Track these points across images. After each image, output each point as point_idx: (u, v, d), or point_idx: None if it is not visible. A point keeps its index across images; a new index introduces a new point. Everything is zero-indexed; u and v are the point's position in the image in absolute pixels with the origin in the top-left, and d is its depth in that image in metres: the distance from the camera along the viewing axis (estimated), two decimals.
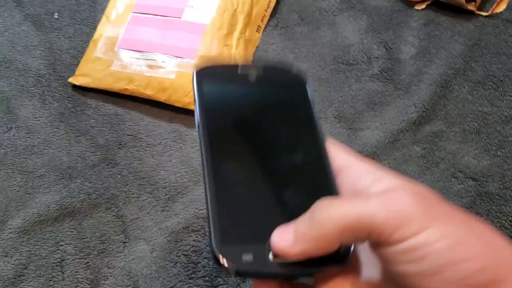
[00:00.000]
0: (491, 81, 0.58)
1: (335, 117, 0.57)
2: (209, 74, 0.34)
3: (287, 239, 0.25)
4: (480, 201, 0.52)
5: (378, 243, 0.24)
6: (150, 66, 0.58)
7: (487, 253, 0.23)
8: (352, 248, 0.27)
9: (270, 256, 0.26)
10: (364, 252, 0.29)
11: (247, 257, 0.26)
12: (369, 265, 0.28)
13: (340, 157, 0.30)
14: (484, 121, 0.56)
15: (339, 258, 0.26)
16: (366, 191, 0.26)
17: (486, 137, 0.55)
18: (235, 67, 0.34)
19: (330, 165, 0.30)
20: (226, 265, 0.26)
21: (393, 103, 0.58)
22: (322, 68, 0.60)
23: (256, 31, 0.62)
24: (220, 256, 0.26)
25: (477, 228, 0.24)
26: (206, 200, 0.28)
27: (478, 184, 0.53)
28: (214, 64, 0.34)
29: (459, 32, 0.61)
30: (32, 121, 0.59)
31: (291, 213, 0.27)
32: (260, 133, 0.32)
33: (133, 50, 0.59)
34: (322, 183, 0.29)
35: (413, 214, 0.23)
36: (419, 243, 0.23)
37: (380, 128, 0.56)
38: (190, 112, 0.58)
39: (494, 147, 0.54)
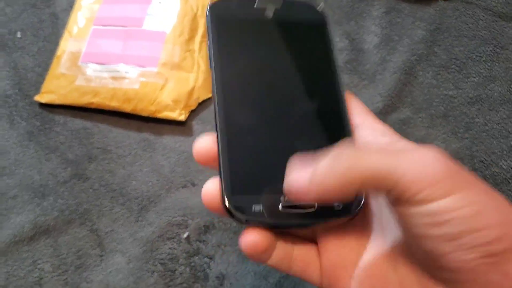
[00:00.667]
0: (454, 64, 0.58)
1: None
2: (224, 9, 0.31)
3: (304, 181, 0.24)
4: None
5: (400, 200, 0.24)
6: (114, 78, 0.58)
7: (504, 223, 0.23)
8: (363, 201, 0.27)
9: (280, 206, 0.26)
10: (378, 212, 0.28)
11: (257, 207, 0.26)
12: (381, 226, 0.28)
13: (356, 114, 0.29)
14: (450, 105, 0.56)
15: (349, 210, 0.26)
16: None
17: (453, 120, 0.55)
18: (251, 1, 0.31)
19: (347, 114, 0.28)
20: (236, 215, 0.26)
21: (359, 94, 0.58)
22: None
23: None
24: (231, 207, 0.26)
25: (496, 198, 0.24)
26: (218, 150, 0.27)
27: None
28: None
29: (420, 17, 0.61)
30: (2, 143, 0.59)
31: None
32: (276, 76, 0.30)
33: (96, 63, 0.59)
34: (339, 133, 0.28)
35: (441, 177, 0.23)
36: (444, 207, 0.23)
37: None
38: (158, 121, 0.58)
39: (462, 130, 0.55)
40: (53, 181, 0.56)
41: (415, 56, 0.59)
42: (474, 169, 0.52)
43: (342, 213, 0.26)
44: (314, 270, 0.29)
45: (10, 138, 0.59)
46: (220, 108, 0.27)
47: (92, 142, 0.58)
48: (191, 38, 0.60)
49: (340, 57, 0.60)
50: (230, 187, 0.26)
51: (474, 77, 0.57)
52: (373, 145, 0.27)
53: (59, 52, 0.61)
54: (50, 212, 0.54)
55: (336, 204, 0.26)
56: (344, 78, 0.59)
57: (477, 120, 0.55)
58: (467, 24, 0.60)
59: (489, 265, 0.23)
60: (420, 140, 0.54)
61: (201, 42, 0.60)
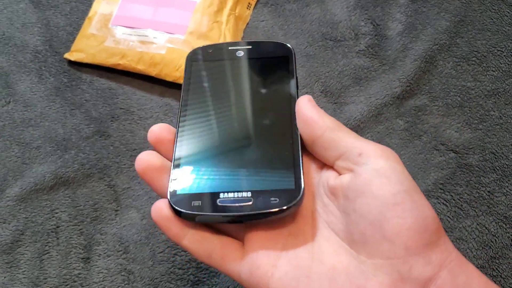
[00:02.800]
0: (474, 57, 0.59)
1: (321, 92, 0.59)
2: (200, 54, 0.38)
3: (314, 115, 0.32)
4: (460, 172, 0.53)
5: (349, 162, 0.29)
6: (142, 42, 0.60)
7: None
8: (298, 198, 0.29)
9: (218, 201, 0.29)
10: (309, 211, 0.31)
11: (196, 203, 0.29)
12: (311, 222, 0.31)
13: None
14: (467, 96, 0.57)
15: (284, 205, 0.29)
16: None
17: (468, 111, 0.56)
18: (225, 45, 0.38)
19: (297, 139, 0.32)
20: (176, 209, 0.30)
21: (378, 78, 0.59)
22: (310, 44, 0.62)
23: (247, 8, 0.63)
24: (172, 202, 0.30)
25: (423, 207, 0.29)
26: (172, 156, 0.33)
27: (459, 157, 0.54)
28: (207, 45, 0.39)
29: (446, 8, 0.62)
30: (29, 95, 0.61)
31: (245, 168, 0.31)
32: (229, 104, 0.34)
33: (126, 27, 0.61)
34: (280, 156, 0.31)
35: (392, 158, 0.30)
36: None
37: (364, 102, 0.58)
38: (180, 87, 0.60)
39: (476, 121, 0.56)
40: (76, 136, 0.58)
41: (437, 46, 0.60)
42: (484, 160, 0.53)
43: (278, 207, 0.29)
44: (234, 258, 0.30)
45: (38, 91, 0.61)
46: (178, 125, 0.34)
47: (115, 102, 0.60)
48: (219, 10, 0.61)
49: (363, 41, 0.61)
50: (174, 187, 0.31)
51: (494, 71, 0.58)
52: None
53: (91, 13, 0.63)
54: (71, 165, 0.57)
55: (272, 198, 0.29)
56: (365, 61, 0.60)
57: (492, 113, 0.56)
58: (492, 19, 0.61)
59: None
60: (434, 127, 0.56)
61: (228, 15, 0.61)
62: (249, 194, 0.29)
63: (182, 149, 0.32)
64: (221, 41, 0.59)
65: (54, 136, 0.59)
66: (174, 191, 0.30)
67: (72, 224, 0.54)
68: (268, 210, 0.28)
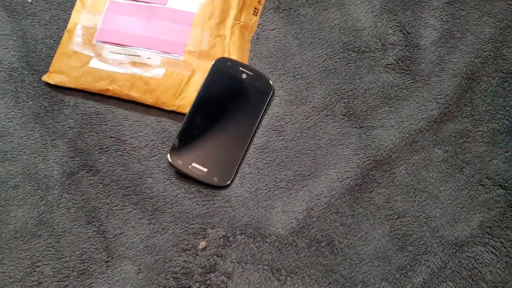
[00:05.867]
0: None
1: (343, 114, 0.50)
2: (222, 62, 0.51)
3: None
4: (510, 213, 0.45)
5: None
6: (133, 63, 0.51)
7: None
8: None
9: (190, 166, 0.49)
10: None
11: (180, 162, 0.49)
12: None
13: None
14: None
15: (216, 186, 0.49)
16: None
17: None
18: (239, 64, 0.51)
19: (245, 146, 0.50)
20: (170, 162, 0.49)
21: (411, 98, 0.50)
22: (329, 56, 0.53)
23: (253, 14, 0.54)
24: (168, 157, 0.49)
25: None
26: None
27: (509, 193, 0.46)
28: (228, 58, 0.51)
29: (489, 12, 0.53)
30: (5, 123, 0.53)
31: (212, 150, 0.50)
32: (222, 107, 0.51)
33: (113, 44, 0.52)
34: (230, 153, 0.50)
35: None
36: None
37: (395, 127, 0.49)
38: (181, 115, 0.51)
39: None
40: (59, 172, 0.50)
41: (480, 58, 0.51)
42: None
43: (215, 183, 0.49)
44: None
45: (14, 118, 0.53)
46: (188, 115, 0.50)
47: (104, 129, 0.52)
48: (221, 21, 0.52)
49: (392, 52, 0.52)
50: (173, 148, 0.49)
51: None
52: None
53: (69, 25, 0.54)
54: (55, 209, 0.49)
55: (215, 178, 0.49)
56: (395, 77, 0.51)
57: None
58: None
59: None
60: (478, 157, 0.47)
61: (232, 26, 0.52)
62: (205, 169, 0.49)
63: (187, 128, 0.49)
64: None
65: (34, 172, 0.50)
66: (172, 150, 0.49)
67: (57, 280, 0.47)
68: (209, 183, 0.49)
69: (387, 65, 0.52)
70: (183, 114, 0.51)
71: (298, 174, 0.48)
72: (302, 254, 0.46)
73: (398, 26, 0.53)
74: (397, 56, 0.52)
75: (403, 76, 0.51)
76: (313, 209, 0.47)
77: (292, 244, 0.46)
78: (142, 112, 0.52)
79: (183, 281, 0.45)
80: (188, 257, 0.46)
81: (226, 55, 0.51)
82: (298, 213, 0.47)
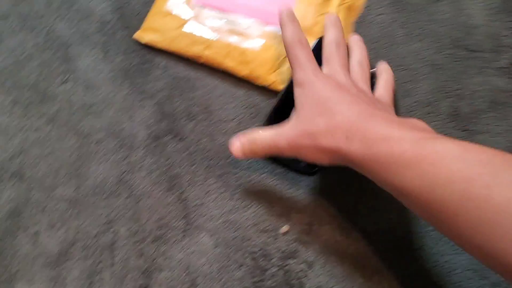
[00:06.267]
0: None
1: (448, 114, 0.47)
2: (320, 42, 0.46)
3: (235, 146, 0.43)
4: None
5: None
6: (231, 31, 0.49)
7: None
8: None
9: None
10: None
11: None
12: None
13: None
14: None
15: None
16: None
17: None
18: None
19: None
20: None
21: None
22: (437, 51, 0.50)
23: None
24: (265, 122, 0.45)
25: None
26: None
27: None
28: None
29: None
30: (92, 75, 0.51)
31: None
32: None
33: (213, 8, 0.50)
34: None
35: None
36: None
37: (503, 135, 0.46)
38: (274, 93, 0.49)
39: None
40: (145, 133, 0.49)
41: None
42: None
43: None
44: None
45: (102, 71, 0.52)
46: (278, 100, 0.45)
47: (193, 97, 0.50)
48: None
49: (506, 55, 0.49)
50: (267, 120, 0.45)
51: None
52: None
53: None
54: (137, 170, 0.47)
55: (303, 163, 0.45)
56: (507, 82, 0.48)
57: None
58: None
59: None
60: None
61: (339, 5, 0.50)
62: None
63: (277, 110, 0.45)
64: None
65: (119, 130, 0.49)
66: (265, 120, 0.45)
67: (131, 242, 0.45)
68: (296, 167, 0.47)
69: (498, 68, 0.49)
70: (274, 91, 0.49)
71: None
72: (387, 255, 0.43)
73: None
74: (510, 60, 0.49)
75: None
76: (405, 211, 0.45)
77: (378, 243, 0.44)
78: (232, 83, 0.50)
79: (260, 263, 0.44)
80: (268, 239, 0.44)
81: None
82: (391, 214, 0.45)
